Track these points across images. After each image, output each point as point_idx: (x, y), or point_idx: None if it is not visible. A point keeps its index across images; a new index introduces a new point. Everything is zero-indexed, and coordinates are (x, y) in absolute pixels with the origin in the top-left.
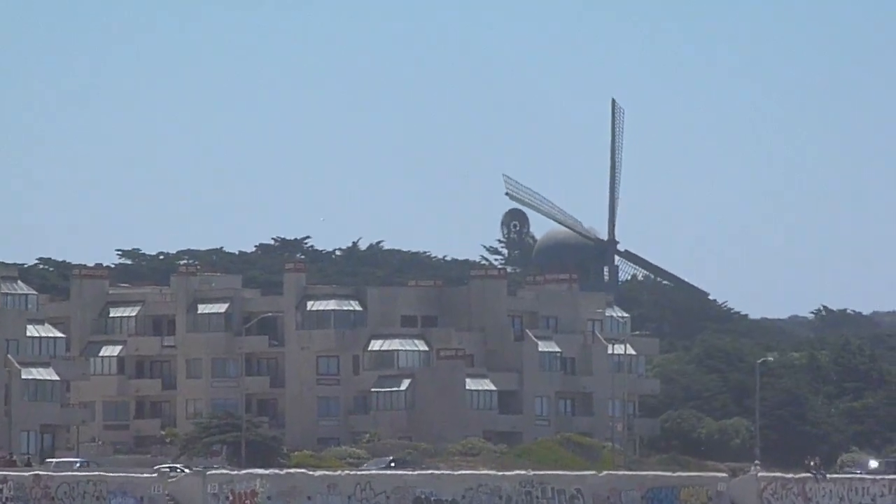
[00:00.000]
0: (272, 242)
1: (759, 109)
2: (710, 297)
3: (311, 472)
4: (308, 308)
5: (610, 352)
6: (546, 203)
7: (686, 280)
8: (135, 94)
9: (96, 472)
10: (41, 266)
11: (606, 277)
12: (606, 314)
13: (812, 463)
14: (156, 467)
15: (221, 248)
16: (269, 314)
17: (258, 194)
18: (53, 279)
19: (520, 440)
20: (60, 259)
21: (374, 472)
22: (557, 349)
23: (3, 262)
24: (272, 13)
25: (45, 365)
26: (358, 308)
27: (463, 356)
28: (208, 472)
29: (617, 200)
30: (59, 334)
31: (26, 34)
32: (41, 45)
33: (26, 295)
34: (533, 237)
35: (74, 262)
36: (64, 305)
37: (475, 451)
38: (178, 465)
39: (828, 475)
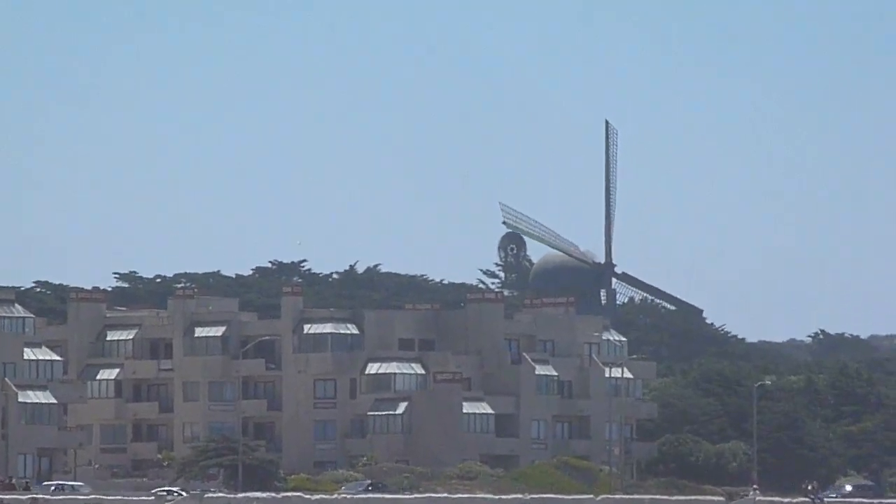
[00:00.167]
0: (269, 266)
1: (758, 132)
2: (708, 321)
3: (307, 496)
4: (305, 331)
5: (607, 375)
6: (543, 230)
7: (682, 299)
8: (133, 117)
9: (93, 496)
10: (38, 289)
11: (604, 300)
12: (603, 337)
13: (810, 487)
14: (153, 491)
15: (218, 271)
16: (266, 337)
17: (255, 217)
18: (50, 302)
19: (517, 464)
20: (57, 282)
21: (370, 496)
22: (554, 373)
23: (0, 286)
24: (269, 43)
25: (43, 388)
26: (355, 331)
27: (460, 379)
28: (205, 496)
29: (613, 223)
30: (57, 357)
31: (23, 45)
32: (40, 67)
33: (23, 318)
34: (530, 260)
35: (71, 285)
36: (61, 329)
37: (472, 474)
38: (175, 489)
39: (825, 499)
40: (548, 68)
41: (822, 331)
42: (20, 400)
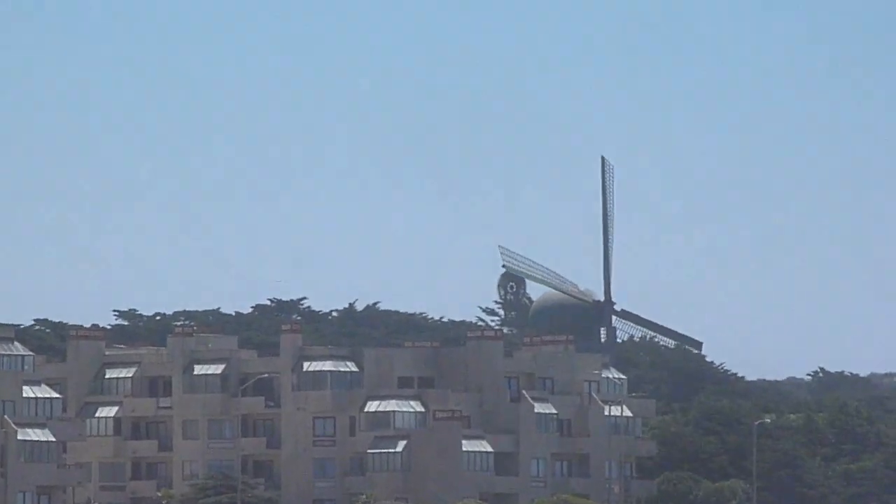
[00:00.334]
0: (268, 303)
1: (756, 169)
2: (708, 359)
3: None
4: (304, 369)
5: (607, 413)
6: (543, 271)
7: (683, 333)
8: (129, 154)
9: None
10: (38, 327)
11: (603, 338)
12: (603, 375)
13: None
14: None
15: (218, 308)
16: (266, 375)
17: (254, 255)
18: (50, 340)
19: (516, 502)
20: (57, 320)
21: None
22: (554, 410)
23: None
24: (266, 75)
25: (42, 426)
26: (354, 369)
27: (459, 417)
28: None
29: (611, 259)
30: (56, 395)
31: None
32: (37, 86)
33: (23, 356)
34: (529, 298)
35: (71, 322)
36: (60, 366)
37: None
38: None
39: None
40: (543, 109)
41: (822, 369)
42: (19, 437)
